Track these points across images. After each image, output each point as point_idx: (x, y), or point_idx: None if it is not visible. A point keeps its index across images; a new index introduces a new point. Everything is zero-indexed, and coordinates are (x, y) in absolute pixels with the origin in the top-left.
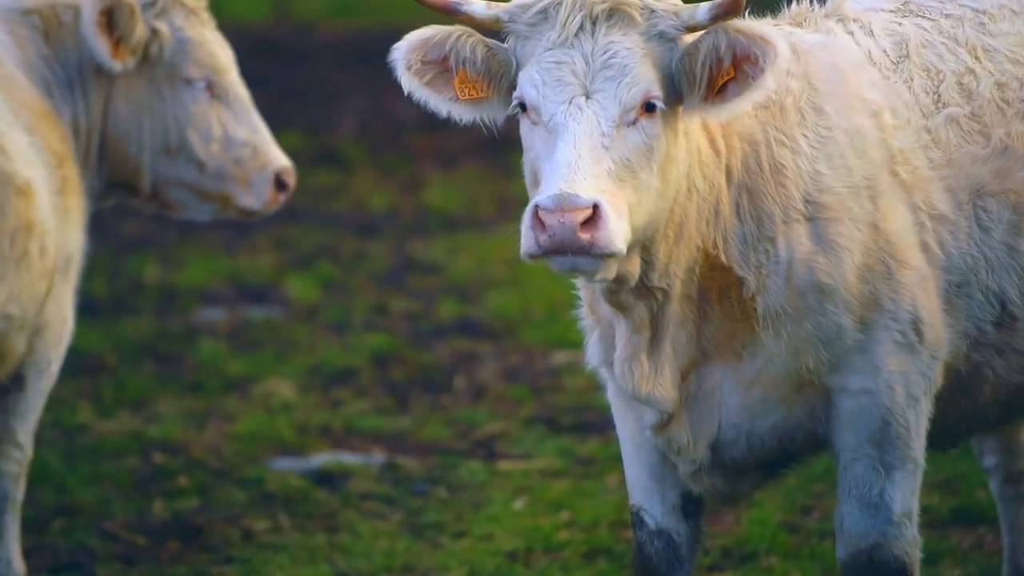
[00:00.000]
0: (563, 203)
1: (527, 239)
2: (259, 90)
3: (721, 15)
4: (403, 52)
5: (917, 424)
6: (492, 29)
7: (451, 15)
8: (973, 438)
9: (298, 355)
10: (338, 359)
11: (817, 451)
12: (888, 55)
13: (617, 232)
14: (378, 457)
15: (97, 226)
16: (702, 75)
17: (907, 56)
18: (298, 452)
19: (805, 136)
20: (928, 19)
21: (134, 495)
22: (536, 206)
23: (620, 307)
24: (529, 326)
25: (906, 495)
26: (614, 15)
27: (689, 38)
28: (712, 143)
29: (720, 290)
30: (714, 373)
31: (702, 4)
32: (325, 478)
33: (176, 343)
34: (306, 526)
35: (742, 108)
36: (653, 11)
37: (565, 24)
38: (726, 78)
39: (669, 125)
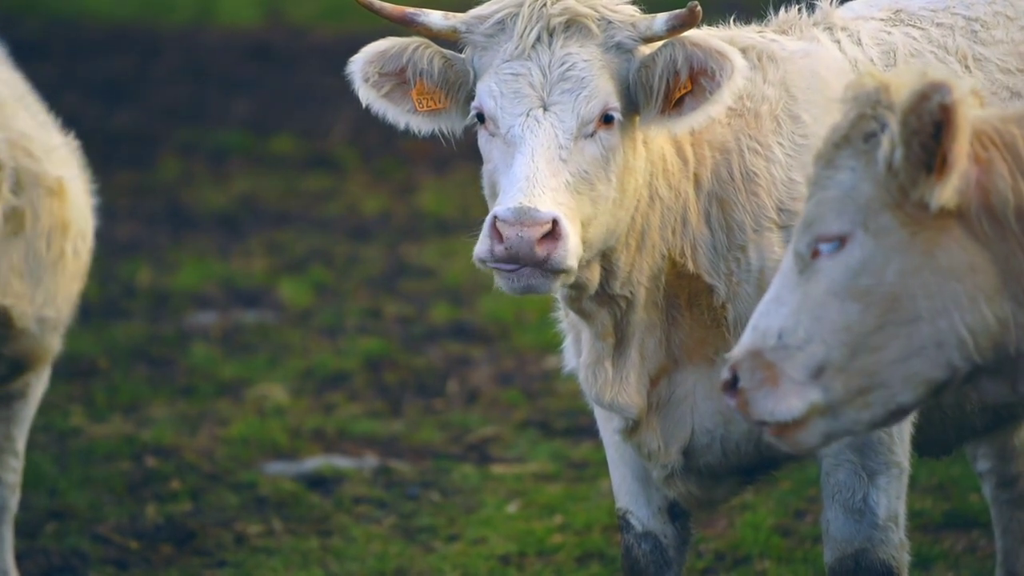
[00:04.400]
0: (522, 217)
1: (482, 245)
2: (252, 94)
3: (678, 26)
4: (360, 65)
5: (899, 429)
6: (449, 40)
7: (408, 26)
8: (965, 445)
9: (291, 359)
10: (331, 363)
11: (801, 457)
12: (875, 64)
13: (573, 249)
14: (371, 461)
15: None
16: (659, 87)
17: (895, 65)
18: (291, 456)
19: (780, 144)
20: (918, 28)
21: (127, 499)
22: (495, 216)
23: (583, 314)
24: (522, 330)
25: (891, 499)
26: (571, 26)
27: (647, 49)
28: (679, 151)
29: (689, 297)
30: (687, 379)
31: (659, 15)
32: (318, 482)
33: (168, 347)
34: (299, 530)
35: (699, 122)
36: (610, 22)
37: (522, 36)
38: (683, 91)
39: (627, 135)
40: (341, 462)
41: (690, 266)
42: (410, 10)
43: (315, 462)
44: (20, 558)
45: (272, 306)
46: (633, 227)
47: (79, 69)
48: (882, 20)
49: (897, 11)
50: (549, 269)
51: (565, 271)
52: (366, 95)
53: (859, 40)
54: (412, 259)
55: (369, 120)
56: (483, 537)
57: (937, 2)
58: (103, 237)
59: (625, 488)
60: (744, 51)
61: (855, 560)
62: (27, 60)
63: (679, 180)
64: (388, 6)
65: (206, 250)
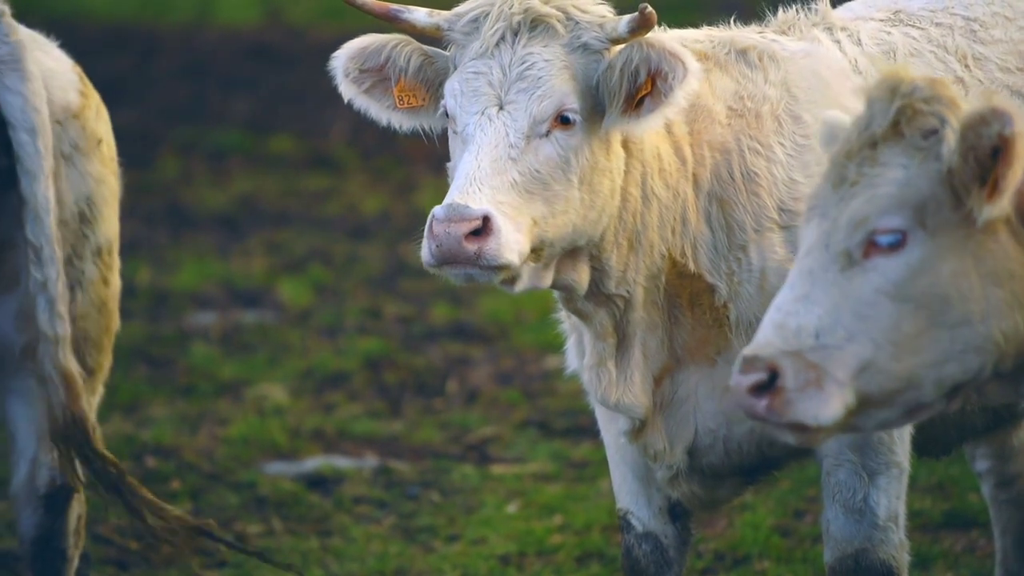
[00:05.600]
0: (452, 214)
1: (424, 249)
2: (251, 94)
3: (637, 28)
4: (341, 60)
5: (900, 429)
6: (434, 37)
7: (392, 23)
8: (965, 445)
9: (291, 359)
10: (331, 363)
11: (801, 457)
12: (875, 64)
13: (508, 245)
14: (371, 461)
15: None
16: (619, 88)
17: None
18: (291, 456)
19: (781, 144)
20: (918, 28)
21: None
22: (432, 215)
23: (580, 315)
24: (522, 330)
25: (891, 499)
26: (537, 26)
27: (616, 50)
28: (678, 152)
29: (691, 297)
30: (689, 378)
31: (624, 17)
32: (318, 482)
33: (168, 347)
34: (299, 530)
35: (657, 124)
36: (577, 22)
37: (487, 34)
38: (643, 93)
39: (595, 135)
40: (341, 462)
41: (691, 266)
42: (394, 7)
43: (315, 462)
44: (20, 558)
45: (272, 306)
46: (624, 227)
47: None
48: (882, 20)
49: (896, 11)
50: (484, 266)
51: (501, 267)
52: (347, 91)
53: (859, 40)
54: (412, 259)
55: (368, 120)
56: (483, 537)
57: (936, 2)
58: None
59: (626, 488)
60: (745, 51)
61: (855, 560)
62: None
63: (677, 180)
64: (372, 2)
65: (206, 250)
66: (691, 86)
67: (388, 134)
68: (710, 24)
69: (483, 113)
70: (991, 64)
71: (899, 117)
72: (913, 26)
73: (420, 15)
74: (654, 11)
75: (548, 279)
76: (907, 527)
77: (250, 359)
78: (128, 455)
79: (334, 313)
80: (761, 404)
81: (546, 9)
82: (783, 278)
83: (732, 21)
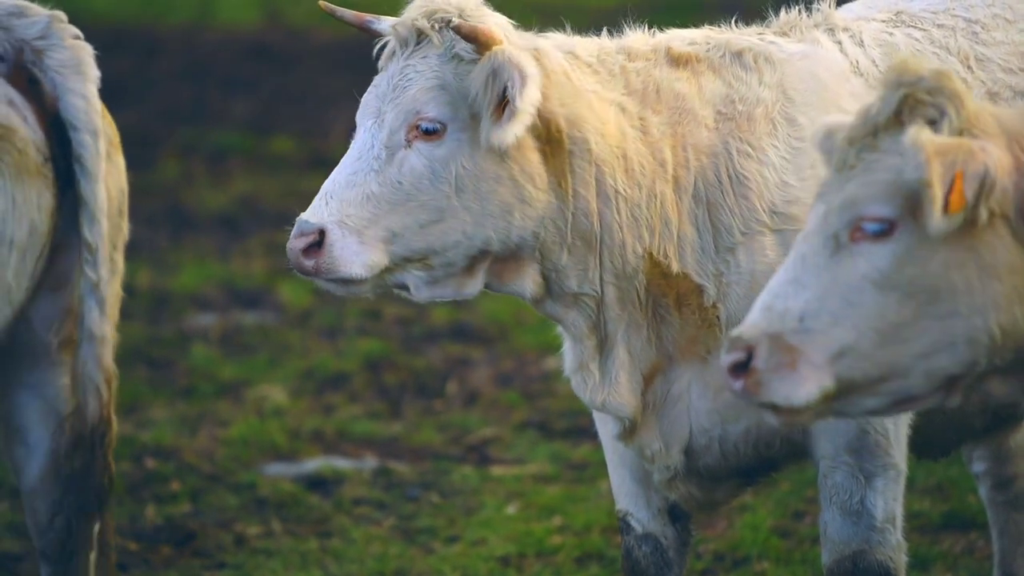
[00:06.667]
0: (296, 230)
1: None
2: (251, 95)
3: (469, 40)
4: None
5: (896, 430)
6: None
7: (365, 32)
8: (963, 447)
9: (291, 360)
10: (331, 364)
11: (800, 459)
12: (877, 65)
13: (344, 258)
14: (371, 462)
15: None
16: (483, 97)
17: None
18: (291, 457)
19: (775, 147)
20: (920, 29)
21: (126, 500)
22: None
23: (552, 318)
24: (522, 331)
25: (888, 501)
26: (422, 39)
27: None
28: (655, 153)
29: (678, 297)
30: (682, 377)
31: None
32: (317, 483)
33: (168, 348)
34: (298, 531)
35: (517, 131)
36: (452, 33)
37: (386, 48)
38: (506, 100)
39: (476, 145)
40: (341, 463)
41: (674, 266)
42: (368, 17)
43: (315, 463)
44: (20, 559)
45: (272, 307)
46: (575, 226)
47: None
48: (883, 21)
49: (898, 12)
50: (327, 279)
51: (343, 279)
52: None
53: (861, 41)
54: None
55: None
56: (483, 538)
57: (937, 4)
58: None
59: (625, 490)
60: (740, 53)
61: (853, 561)
62: None
63: (653, 181)
64: (349, 13)
65: (206, 251)
66: (531, 92)
67: None
68: (711, 25)
69: (364, 126)
70: (993, 65)
71: (902, 106)
72: (915, 27)
73: (386, 26)
74: (465, 22)
75: (470, 286)
76: (906, 528)
77: (250, 360)
78: (128, 456)
79: (334, 314)
80: (737, 384)
81: (422, 22)
82: None
83: (733, 22)
